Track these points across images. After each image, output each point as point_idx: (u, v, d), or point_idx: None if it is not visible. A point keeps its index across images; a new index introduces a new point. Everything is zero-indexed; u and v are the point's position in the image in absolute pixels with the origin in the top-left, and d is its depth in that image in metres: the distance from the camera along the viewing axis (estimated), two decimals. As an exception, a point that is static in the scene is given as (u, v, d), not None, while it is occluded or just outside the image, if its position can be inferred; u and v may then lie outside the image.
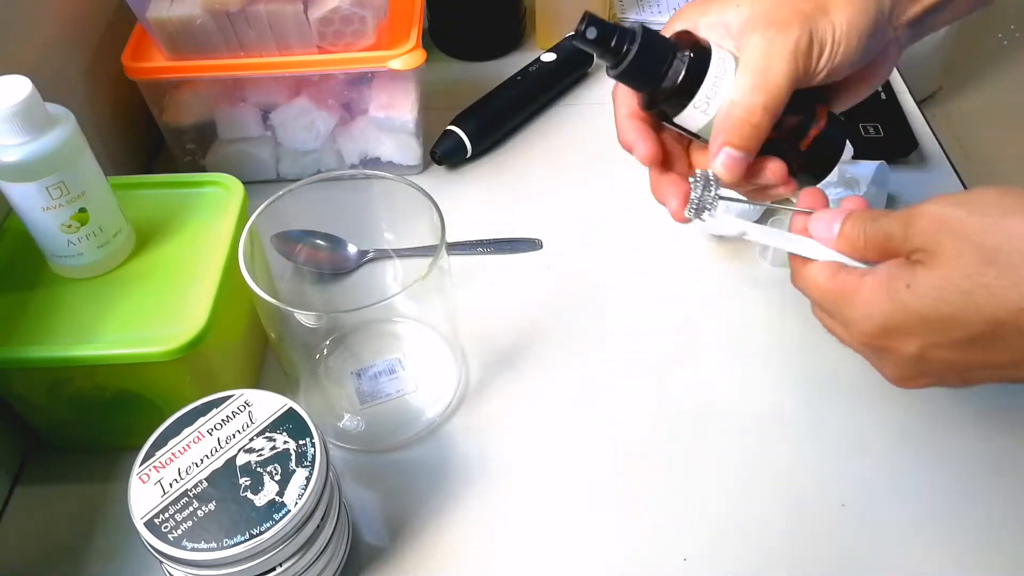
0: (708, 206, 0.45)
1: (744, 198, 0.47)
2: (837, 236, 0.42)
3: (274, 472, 0.43)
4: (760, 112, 0.42)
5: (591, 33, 0.42)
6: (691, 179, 0.45)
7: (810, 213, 0.44)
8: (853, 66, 0.44)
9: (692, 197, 0.45)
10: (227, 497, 0.42)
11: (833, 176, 0.66)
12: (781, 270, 0.66)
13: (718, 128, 0.43)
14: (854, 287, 0.40)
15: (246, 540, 0.41)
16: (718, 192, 0.45)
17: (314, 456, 0.44)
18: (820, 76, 0.43)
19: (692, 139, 0.47)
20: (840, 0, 0.42)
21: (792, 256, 0.44)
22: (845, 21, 0.42)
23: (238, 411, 0.46)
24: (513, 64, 0.82)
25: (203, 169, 0.73)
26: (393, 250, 0.66)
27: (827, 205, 0.44)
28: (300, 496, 0.42)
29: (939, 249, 0.36)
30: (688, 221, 0.46)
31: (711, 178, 0.45)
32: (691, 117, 0.44)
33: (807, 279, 0.42)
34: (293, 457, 0.44)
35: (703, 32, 0.45)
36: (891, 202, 0.69)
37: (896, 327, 0.38)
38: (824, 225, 0.42)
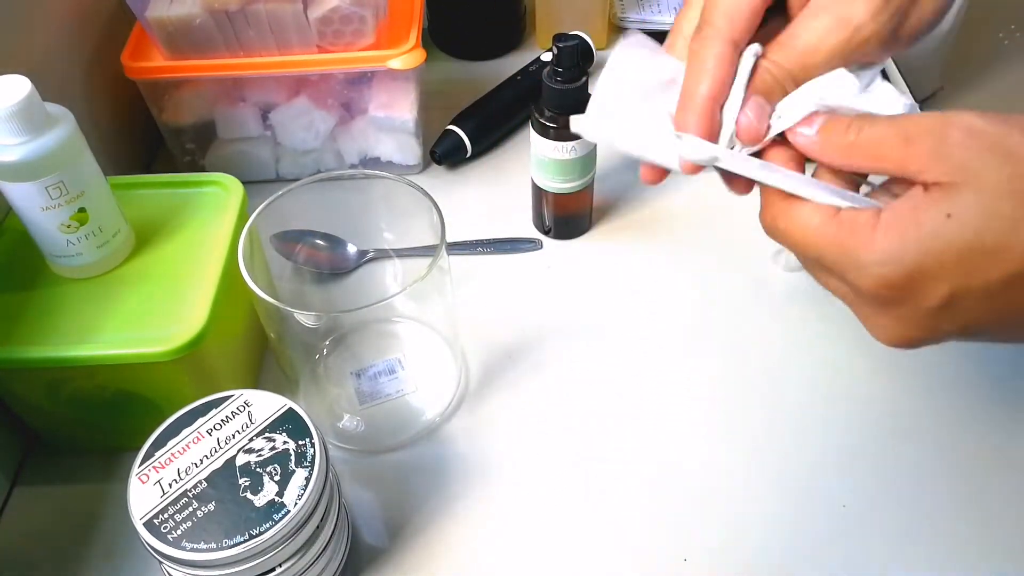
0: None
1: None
2: (817, 133, 0.35)
3: (274, 472, 0.43)
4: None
5: None
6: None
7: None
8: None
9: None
10: (226, 497, 0.42)
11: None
12: (791, 274, 0.65)
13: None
14: (869, 225, 0.33)
15: (246, 540, 0.41)
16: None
17: (314, 456, 0.44)
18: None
19: None
20: None
21: (767, 191, 0.37)
22: None
23: (237, 411, 0.46)
24: (513, 64, 0.82)
25: (203, 169, 0.73)
26: (393, 250, 0.66)
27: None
28: (300, 496, 0.42)
29: (982, 171, 0.31)
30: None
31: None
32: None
33: (793, 220, 0.35)
34: (293, 457, 0.44)
35: None
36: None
37: (928, 270, 0.32)
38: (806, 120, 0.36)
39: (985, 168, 0.31)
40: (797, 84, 0.37)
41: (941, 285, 0.32)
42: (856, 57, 0.37)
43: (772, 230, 0.37)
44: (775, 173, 0.36)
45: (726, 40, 0.38)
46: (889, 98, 0.37)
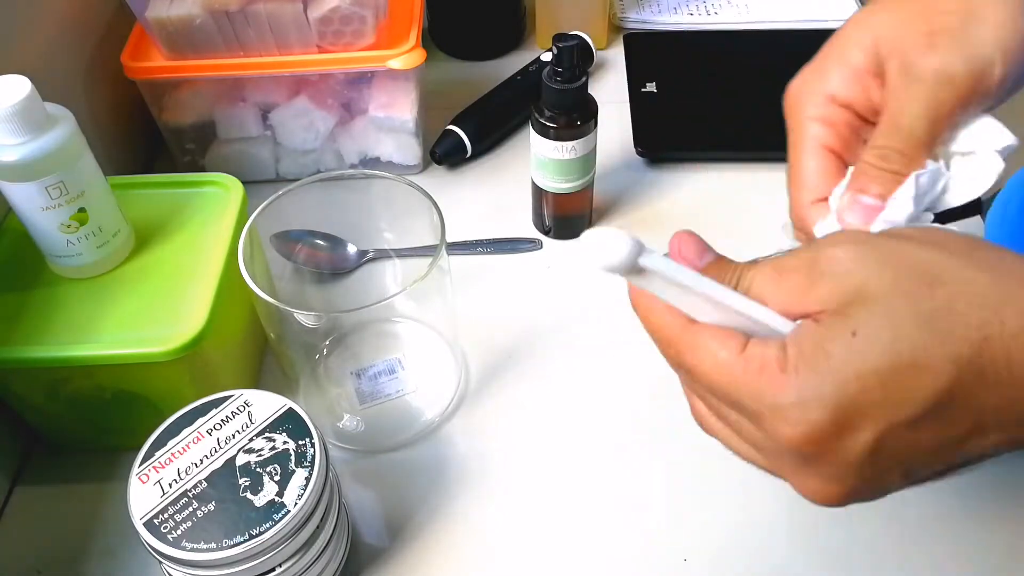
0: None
1: None
2: (704, 265, 0.33)
3: (274, 472, 0.43)
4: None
5: None
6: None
7: None
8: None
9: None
10: (226, 497, 0.42)
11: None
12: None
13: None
14: (777, 363, 0.29)
15: (245, 540, 0.41)
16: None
17: (314, 456, 0.44)
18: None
19: None
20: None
21: (672, 325, 0.33)
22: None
23: (237, 411, 0.46)
24: (513, 64, 0.82)
25: (202, 169, 0.73)
26: (393, 250, 0.66)
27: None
28: (300, 496, 0.42)
29: (863, 285, 0.29)
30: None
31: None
32: None
33: (698, 352, 0.31)
34: (293, 457, 0.44)
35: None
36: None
37: (852, 401, 0.28)
38: (694, 247, 0.34)
39: (866, 280, 0.29)
40: (908, 158, 0.36)
41: (867, 424, 0.28)
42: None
43: (678, 366, 0.33)
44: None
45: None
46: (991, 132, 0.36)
